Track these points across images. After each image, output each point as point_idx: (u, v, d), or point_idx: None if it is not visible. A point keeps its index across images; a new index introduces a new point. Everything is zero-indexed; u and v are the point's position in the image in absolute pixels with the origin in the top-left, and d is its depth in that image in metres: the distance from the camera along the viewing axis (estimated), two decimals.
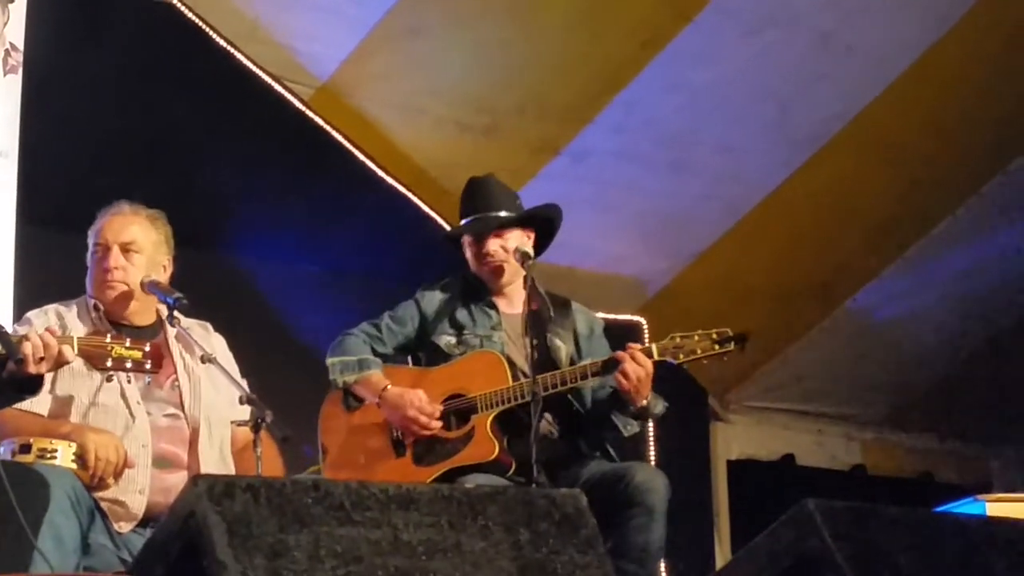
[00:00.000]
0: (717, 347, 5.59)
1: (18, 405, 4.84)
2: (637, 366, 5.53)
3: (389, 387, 5.71)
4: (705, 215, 8.99)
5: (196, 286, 5.33)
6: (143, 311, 5.28)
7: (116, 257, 5.22)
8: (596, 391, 5.80)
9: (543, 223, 6.01)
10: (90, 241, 5.33)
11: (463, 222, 5.98)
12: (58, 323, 5.12)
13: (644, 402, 5.62)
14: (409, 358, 5.98)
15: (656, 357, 5.57)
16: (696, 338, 5.60)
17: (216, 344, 5.39)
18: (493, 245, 5.87)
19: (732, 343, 5.59)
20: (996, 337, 9.91)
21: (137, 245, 5.26)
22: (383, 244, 8.10)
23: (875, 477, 10.35)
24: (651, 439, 8.22)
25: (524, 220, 5.96)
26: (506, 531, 3.88)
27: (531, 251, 5.83)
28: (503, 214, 5.91)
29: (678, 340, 5.61)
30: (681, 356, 5.60)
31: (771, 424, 10.11)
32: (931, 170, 8.95)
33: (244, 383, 5.12)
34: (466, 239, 5.95)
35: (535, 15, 7.94)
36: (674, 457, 8.11)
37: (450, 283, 5.98)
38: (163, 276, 5.31)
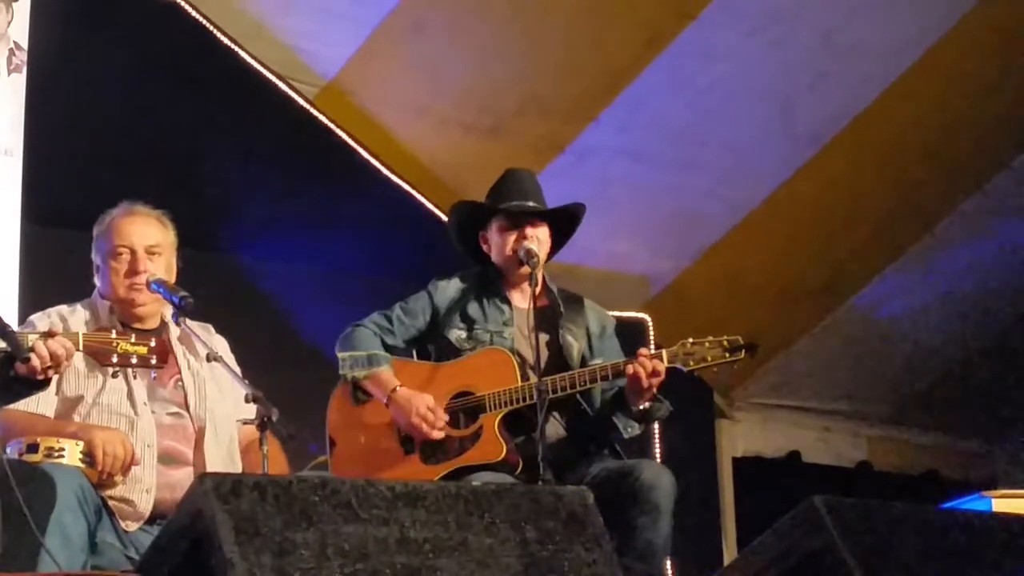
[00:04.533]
0: (727, 355, 5.56)
1: (24, 407, 4.85)
2: (651, 377, 5.51)
3: (398, 388, 5.68)
4: (709, 213, 8.99)
5: (200, 286, 5.33)
6: (154, 313, 5.28)
7: (144, 261, 5.21)
8: (604, 391, 5.78)
9: (561, 229, 5.97)
10: (105, 241, 5.29)
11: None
12: (61, 326, 5.11)
13: (647, 405, 5.61)
14: (414, 352, 5.96)
15: (666, 363, 5.55)
16: (707, 345, 5.57)
17: (218, 345, 5.39)
18: (531, 231, 5.83)
19: (743, 351, 5.57)
20: (1000, 333, 9.91)
21: (160, 247, 5.28)
22: (387, 243, 8.09)
23: (881, 474, 10.35)
24: (657, 437, 8.23)
25: (562, 218, 5.93)
26: (513, 529, 3.88)
27: (537, 250, 5.78)
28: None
29: (688, 347, 5.58)
30: (691, 363, 5.57)
31: (776, 421, 10.12)
32: (934, 168, 8.95)
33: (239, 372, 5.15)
34: (497, 224, 5.89)
35: (538, 14, 7.94)
36: (680, 455, 8.10)
37: (465, 276, 5.94)
38: (174, 276, 5.32)
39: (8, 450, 4.80)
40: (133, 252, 5.22)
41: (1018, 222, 9.32)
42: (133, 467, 4.92)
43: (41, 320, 5.17)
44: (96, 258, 5.32)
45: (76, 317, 5.21)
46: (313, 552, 3.57)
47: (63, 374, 4.96)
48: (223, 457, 5.18)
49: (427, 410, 5.63)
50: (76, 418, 5.01)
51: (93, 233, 5.37)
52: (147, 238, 5.26)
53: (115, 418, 5.02)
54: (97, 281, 5.32)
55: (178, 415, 5.16)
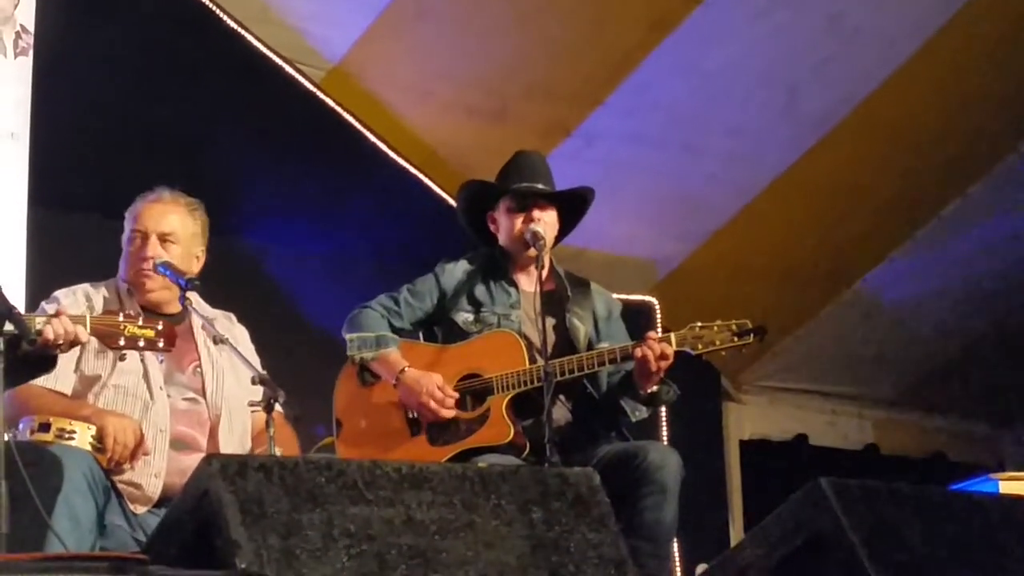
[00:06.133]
0: (736, 339, 5.52)
1: (42, 383, 4.88)
2: (659, 360, 5.50)
3: (407, 369, 5.67)
4: (715, 197, 8.99)
5: (206, 269, 5.35)
6: (169, 299, 5.27)
7: (154, 247, 5.23)
8: (611, 375, 5.77)
9: (569, 212, 5.96)
10: (127, 225, 5.32)
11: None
12: (86, 304, 5.15)
13: (654, 388, 5.60)
14: (421, 334, 5.95)
15: (674, 347, 5.53)
16: (715, 329, 5.53)
17: (238, 335, 5.41)
18: (539, 214, 5.81)
19: (751, 335, 5.54)
20: (1007, 316, 9.90)
21: (175, 236, 5.28)
22: (393, 226, 8.09)
23: (887, 457, 10.34)
24: (664, 419, 8.23)
25: (571, 201, 5.91)
26: (519, 510, 3.89)
27: (544, 233, 5.76)
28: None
29: (697, 330, 5.55)
30: (700, 346, 5.54)
31: (783, 404, 10.11)
32: (941, 151, 8.93)
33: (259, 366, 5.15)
34: (505, 205, 5.86)
35: None
36: (687, 437, 8.10)
37: (472, 258, 5.93)
38: (196, 266, 5.32)
39: (20, 426, 4.82)
40: (145, 237, 5.24)
41: None
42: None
43: (66, 296, 5.21)
44: (123, 239, 5.35)
45: (99, 296, 5.24)
46: (319, 533, 3.58)
47: (83, 352, 5.00)
48: (236, 446, 5.19)
49: (436, 389, 5.62)
50: (91, 397, 5.03)
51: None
52: (163, 225, 5.27)
53: (130, 400, 5.05)
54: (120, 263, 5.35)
55: (194, 401, 5.18)
